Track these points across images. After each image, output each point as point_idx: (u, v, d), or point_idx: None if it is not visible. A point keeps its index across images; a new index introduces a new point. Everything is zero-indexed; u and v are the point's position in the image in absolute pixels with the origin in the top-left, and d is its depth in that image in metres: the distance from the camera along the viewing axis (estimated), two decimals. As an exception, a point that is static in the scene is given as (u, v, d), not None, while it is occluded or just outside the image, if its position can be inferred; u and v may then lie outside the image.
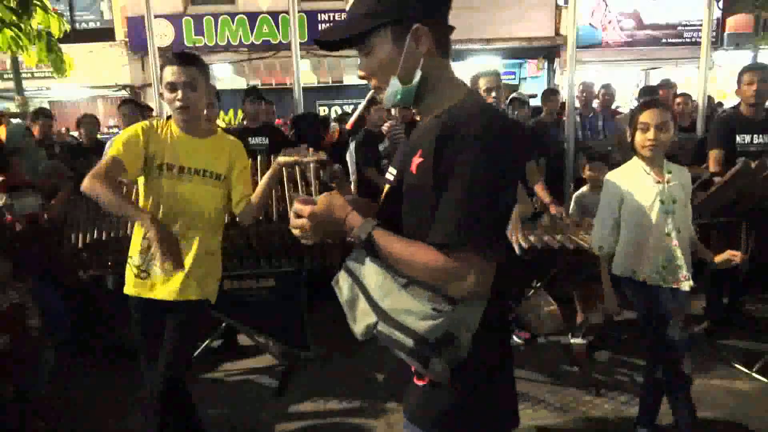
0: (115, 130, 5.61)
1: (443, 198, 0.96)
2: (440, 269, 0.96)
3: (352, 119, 3.63)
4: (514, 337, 3.47)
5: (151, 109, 5.46)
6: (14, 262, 2.67)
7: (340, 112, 10.05)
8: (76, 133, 5.44)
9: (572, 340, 3.21)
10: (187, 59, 1.95)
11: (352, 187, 4.45)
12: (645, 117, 2.15)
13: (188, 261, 1.99)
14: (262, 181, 2.15)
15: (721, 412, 2.61)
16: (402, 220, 1.09)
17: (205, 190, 2.03)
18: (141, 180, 2.03)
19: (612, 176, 2.30)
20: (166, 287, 1.99)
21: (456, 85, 1.09)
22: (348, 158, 4.58)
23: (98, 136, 4.90)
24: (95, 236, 2.86)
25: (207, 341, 3.39)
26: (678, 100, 5.12)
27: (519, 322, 3.44)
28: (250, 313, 3.00)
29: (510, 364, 1.15)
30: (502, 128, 0.98)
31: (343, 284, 1.11)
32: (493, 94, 2.88)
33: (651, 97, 4.57)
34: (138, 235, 2.02)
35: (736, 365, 3.01)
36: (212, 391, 2.98)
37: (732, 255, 2.18)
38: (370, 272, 1.06)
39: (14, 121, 5.47)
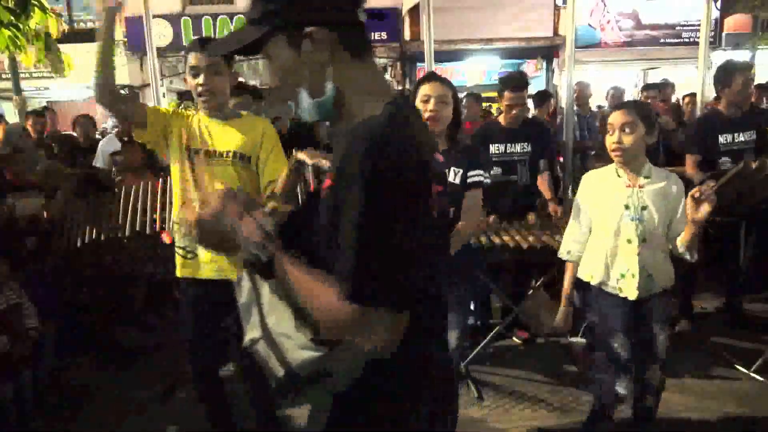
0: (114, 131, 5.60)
1: (340, 241, 0.83)
2: (342, 322, 0.83)
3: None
4: (514, 338, 3.47)
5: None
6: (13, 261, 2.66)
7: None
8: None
9: (572, 340, 3.21)
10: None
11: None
12: (610, 119, 2.07)
13: None
14: (282, 176, 2.13)
15: (720, 411, 2.61)
16: (312, 240, 0.95)
17: (234, 172, 2.03)
18: (175, 168, 2.05)
19: (587, 177, 2.23)
20: (210, 267, 2.02)
21: (376, 93, 0.93)
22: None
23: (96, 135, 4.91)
24: (94, 236, 2.86)
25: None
26: (686, 99, 5.14)
27: (518, 322, 3.44)
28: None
29: (426, 414, 1.00)
30: (390, 163, 0.81)
31: (244, 285, 0.99)
32: None
33: (656, 92, 4.57)
34: (174, 217, 2.09)
35: (736, 365, 3.01)
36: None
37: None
38: (269, 282, 0.94)
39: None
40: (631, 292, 2.05)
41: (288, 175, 2.15)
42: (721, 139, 3.21)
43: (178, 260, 2.08)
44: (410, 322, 0.87)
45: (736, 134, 3.21)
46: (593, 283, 2.14)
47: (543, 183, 3.38)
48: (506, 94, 3.23)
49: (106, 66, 1.94)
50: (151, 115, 2.00)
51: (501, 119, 3.42)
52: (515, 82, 3.28)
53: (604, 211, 2.10)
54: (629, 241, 2.04)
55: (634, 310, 2.08)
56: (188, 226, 0.92)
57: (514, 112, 3.28)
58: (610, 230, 2.08)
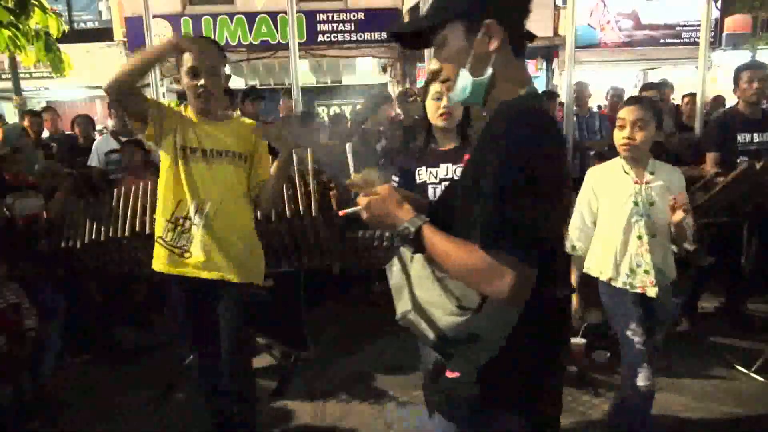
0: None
1: (480, 196, 0.97)
2: (477, 269, 0.96)
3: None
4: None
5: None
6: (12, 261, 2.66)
7: (338, 111, 10.05)
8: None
9: (571, 340, 3.21)
10: (207, 45, 1.95)
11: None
12: (623, 113, 2.08)
13: (228, 242, 2.01)
14: (275, 166, 2.10)
15: (720, 411, 2.61)
16: (455, 216, 1.11)
17: (233, 171, 2.03)
18: (167, 167, 2.02)
19: (591, 172, 2.23)
20: (207, 266, 2.00)
21: (519, 83, 1.08)
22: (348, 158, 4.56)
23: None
24: (94, 236, 2.86)
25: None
26: (686, 100, 5.13)
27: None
28: (248, 314, 2.99)
29: (557, 372, 1.14)
30: (535, 129, 0.97)
31: (394, 269, 1.16)
32: None
33: (655, 92, 4.57)
34: (163, 214, 2.03)
35: (736, 365, 3.01)
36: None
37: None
38: (416, 263, 1.11)
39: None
40: (651, 290, 2.04)
41: (281, 164, 2.14)
42: (740, 138, 3.21)
43: (165, 256, 2.04)
44: (542, 296, 0.99)
45: (755, 134, 3.21)
46: (602, 279, 2.14)
47: None
48: None
49: (139, 74, 1.89)
50: (153, 110, 1.97)
51: None
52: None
53: (612, 207, 2.11)
54: (639, 237, 2.05)
55: (643, 305, 2.08)
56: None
57: None
58: (619, 226, 2.08)
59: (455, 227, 1.07)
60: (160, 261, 2.07)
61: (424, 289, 1.06)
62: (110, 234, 2.85)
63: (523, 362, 1.05)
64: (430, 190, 2.05)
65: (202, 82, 1.93)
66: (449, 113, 2.04)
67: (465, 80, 1.06)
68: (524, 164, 0.93)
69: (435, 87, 2.07)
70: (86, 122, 4.97)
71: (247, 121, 2.18)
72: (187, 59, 1.93)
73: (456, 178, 2.05)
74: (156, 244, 2.08)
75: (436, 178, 2.05)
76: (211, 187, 2.00)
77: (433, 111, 2.06)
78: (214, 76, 1.95)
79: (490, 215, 0.94)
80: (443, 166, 2.07)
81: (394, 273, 1.15)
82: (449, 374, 1.10)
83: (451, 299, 1.01)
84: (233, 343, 2.06)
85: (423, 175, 2.07)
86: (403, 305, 1.11)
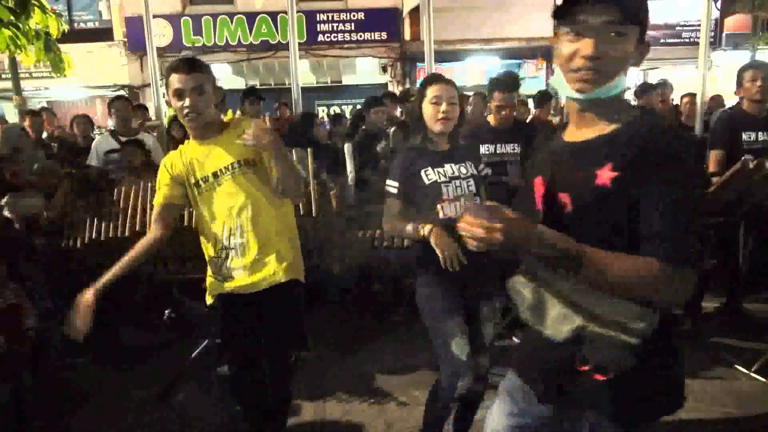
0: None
1: (656, 214, 1.03)
2: (660, 281, 1.01)
3: None
4: (513, 338, 3.47)
5: (146, 109, 5.45)
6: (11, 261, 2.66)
7: (338, 111, 10.05)
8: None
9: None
10: (191, 65, 1.94)
11: (351, 187, 4.45)
12: None
13: (267, 247, 2.04)
14: (273, 163, 2.01)
15: (720, 412, 2.61)
16: (576, 232, 1.08)
17: (244, 181, 2.01)
18: (197, 210, 2.07)
19: None
20: (252, 278, 2.04)
21: (624, 100, 1.19)
22: (347, 158, 4.57)
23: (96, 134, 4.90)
24: (94, 236, 2.86)
25: (206, 341, 3.38)
26: (685, 100, 5.13)
27: (518, 322, 3.43)
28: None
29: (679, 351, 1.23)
30: (692, 145, 1.07)
31: (523, 289, 1.19)
32: None
33: (647, 94, 4.59)
34: (210, 253, 2.09)
35: (736, 365, 3.01)
36: (211, 391, 2.98)
37: None
38: (563, 280, 1.12)
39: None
40: None
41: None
42: (744, 136, 3.20)
43: (217, 286, 2.10)
44: None
45: (759, 132, 3.20)
46: None
47: None
48: (496, 95, 3.26)
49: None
50: (173, 198, 2.05)
51: (490, 119, 3.44)
52: (505, 83, 3.29)
53: None
54: None
55: None
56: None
57: (503, 113, 3.30)
58: None
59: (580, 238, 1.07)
60: (211, 293, 2.14)
61: (605, 303, 1.08)
62: (110, 234, 2.86)
63: (666, 349, 1.14)
64: (443, 189, 2.08)
65: (187, 102, 1.91)
66: (449, 119, 2.07)
67: (623, 80, 1.11)
68: (696, 180, 1.04)
69: (432, 90, 2.08)
70: (85, 122, 4.98)
71: (246, 120, 2.15)
72: (173, 82, 1.92)
73: (466, 175, 2.12)
74: (209, 282, 2.15)
75: (445, 176, 2.10)
76: (232, 205, 1.99)
77: (432, 115, 2.08)
78: (199, 95, 1.92)
79: (676, 230, 1.01)
80: (447, 165, 2.12)
81: (526, 293, 1.18)
82: (599, 377, 1.12)
83: (633, 306, 1.06)
84: (284, 352, 2.23)
85: (432, 175, 2.10)
86: (566, 323, 1.12)
